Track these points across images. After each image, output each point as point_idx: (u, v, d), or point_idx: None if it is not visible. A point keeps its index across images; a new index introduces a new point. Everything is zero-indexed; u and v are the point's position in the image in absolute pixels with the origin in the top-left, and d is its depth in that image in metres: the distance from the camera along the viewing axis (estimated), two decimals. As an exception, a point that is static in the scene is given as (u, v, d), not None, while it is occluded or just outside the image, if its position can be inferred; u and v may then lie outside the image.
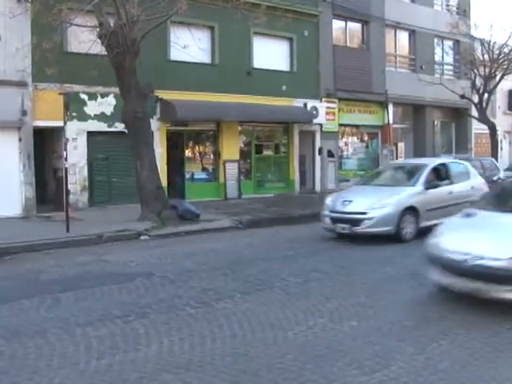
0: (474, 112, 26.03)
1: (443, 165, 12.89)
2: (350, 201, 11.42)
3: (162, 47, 17.42)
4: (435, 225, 7.87)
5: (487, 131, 26.10)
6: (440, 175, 12.49)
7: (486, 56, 24.19)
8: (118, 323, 6.14)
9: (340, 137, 23.65)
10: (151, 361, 5.07)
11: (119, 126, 15.19)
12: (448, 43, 27.67)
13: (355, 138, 24.90)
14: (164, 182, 15.82)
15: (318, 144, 22.29)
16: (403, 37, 26.03)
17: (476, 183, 12.86)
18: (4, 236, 11.27)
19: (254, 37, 19.92)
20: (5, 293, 7.59)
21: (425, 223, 10.99)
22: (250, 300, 7.00)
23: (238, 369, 4.86)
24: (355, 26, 24.08)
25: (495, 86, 25.26)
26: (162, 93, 17.19)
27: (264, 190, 20.62)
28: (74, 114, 15.47)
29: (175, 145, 18.79)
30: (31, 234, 11.74)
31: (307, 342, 5.48)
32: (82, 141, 16.24)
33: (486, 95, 24.72)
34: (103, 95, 16.58)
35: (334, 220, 11.33)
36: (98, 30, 13.28)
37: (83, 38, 13.76)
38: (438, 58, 27.45)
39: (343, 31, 23.61)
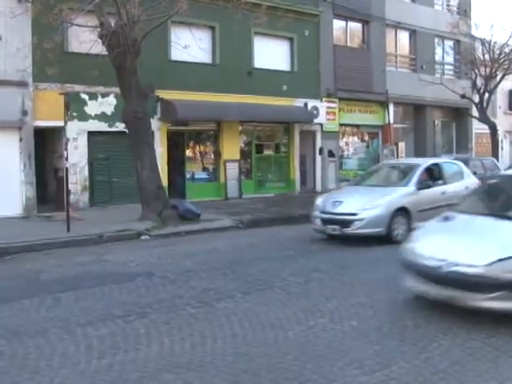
0: (475, 112, 26.00)
1: (436, 165, 12.75)
2: (341, 201, 11.26)
3: (163, 47, 17.43)
4: None
5: (488, 131, 26.08)
6: (433, 175, 12.37)
7: (486, 56, 24.17)
8: (118, 323, 6.14)
9: (340, 136, 23.65)
10: (152, 360, 5.07)
11: (120, 126, 15.19)
12: (448, 43, 27.66)
13: (356, 138, 24.90)
14: (164, 181, 15.83)
15: (318, 144, 22.29)
16: (404, 37, 26.02)
17: (470, 183, 12.53)
18: (4, 236, 11.28)
19: (254, 37, 19.93)
20: (5, 293, 7.60)
21: (417, 224, 10.86)
22: (251, 300, 7.00)
23: (239, 368, 4.86)
24: (356, 26, 24.08)
25: (496, 86, 25.24)
26: (162, 93, 17.20)
27: (264, 190, 20.64)
28: (74, 113, 15.48)
29: (176, 145, 18.79)
30: (32, 234, 11.75)
31: (308, 342, 5.48)
32: (83, 141, 16.25)
33: (486, 95, 24.69)
34: (104, 95, 16.59)
35: (325, 221, 11.16)
36: (98, 29, 13.29)
37: (84, 38, 13.77)
38: (438, 57, 27.44)
39: (344, 31, 23.61)
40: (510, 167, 22.03)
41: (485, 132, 27.19)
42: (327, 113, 21.98)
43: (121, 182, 16.69)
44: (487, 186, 8.26)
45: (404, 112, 26.54)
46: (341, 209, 11.04)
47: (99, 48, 13.46)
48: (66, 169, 12.98)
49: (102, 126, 16.58)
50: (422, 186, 11.67)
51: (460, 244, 6.13)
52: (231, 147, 19.77)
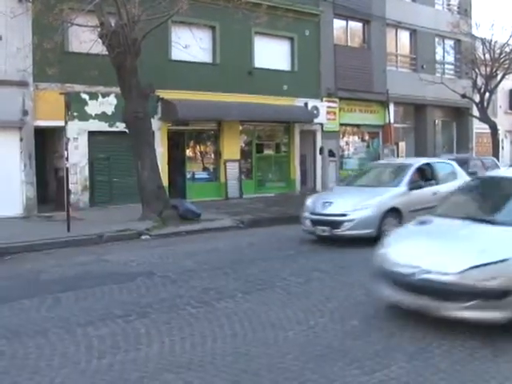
0: (475, 111, 25.99)
1: (428, 165, 12.53)
2: (331, 202, 11.08)
3: (163, 47, 17.43)
4: None
5: (488, 130, 26.07)
6: (425, 175, 12.15)
7: (487, 55, 24.16)
8: (118, 323, 6.14)
9: (341, 136, 23.64)
10: (152, 360, 5.07)
11: (120, 126, 15.19)
12: (449, 42, 27.65)
13: (356, 138, 24.89)
14: (165, 181, 15.84)
15: (318, 143, 22.29)
16: (404, 36, 26.01)
17: None
18: (4, 236, 11.28)
19: (255, 36, 19.92)
20: (5, 293, 7.61)
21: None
22: (251, 299, 7.00)
23: (239, 368, 4.86)
24: (356, 26, 24.07)
25: (496, 86, 25.23)
26: (163, 92, 17.20)
27: (265, 190, 20.63)
28: (75, 113, 15.47)
29: (176, 144, 18.79)
30: (32, 234, 11.75)
31: (308, 342, 5.48)
32: (83, 140, 16.25)
33: (487, 94, 24.68)
34: (104, 95, 16.59)
35: (314, 222, 10.98)
36: (99, 29, 13.29)
37: (84, 38, 13.77)
38: (439, 57, 27.44)
39: (344, 31, 23.61)
40: (510, 166, 22.02)
41: (485, 131, 27.18)
42: (328, 112, 21.98)
43: (121, 182, 16.69)
44: (467, 187, 7.86)
45: (404, 112, 26.54)
46: (330, 210, 10.86)
47: (99, 48, 13.47)
48: (67, 169, 12.98)
49: (103, 126, 16.58)
50: (413, 186, 11.46)
51: (434, 250, 5.83)
52: (231, 147, 19.77)
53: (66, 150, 12.95)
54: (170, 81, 17.30)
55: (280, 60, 20.96)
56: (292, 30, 20.48)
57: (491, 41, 23.96)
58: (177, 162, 18.63)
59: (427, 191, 11.60)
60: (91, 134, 16.38)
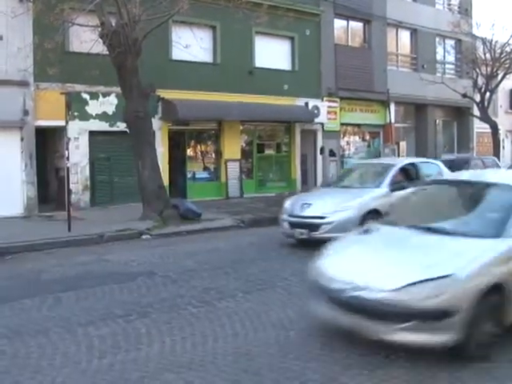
0: (476, 111, 25.98)
1: (413, 165, 12.15)
2: (309, 204, 10.70)
3: (164, 47, 17.42)
4: None
5: (489, 130, 26.06)
6: (409, 176, 11.78)
7: (487, 55, 24.15)
8: (119, 322, 6.15)
9: (342, 136, 23.63)
10: (153, 360, 5.08)
11: (121, 126, 15.19)
12: (450, 42, 27.64)
13: (357, 137, 24.90)
14: (166, 181, 15.83)
15: (319, 143, 22.29)
16: (405, 36, 26.01)
17: None
18: (5, 235, 11.29)
19: (255, 36, 19.92)
20: (6, 292, 7.61)
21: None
22: (252, 299, 7.01)
23: (240, 368, 4.87)
24: (357, 25, 24.07)
25: (497, 85, 25.22)
26: (163, 92, 17.19)
27: (265, 189, 20.63)
28: (75, 113, 15.47)
29: (177, 144, 18.79)
30: (32, 234, 11.75)
31: (309, 341, 5.48)
32: (84, 140, 16.26)
33: (487, 94, 24.67)
34: (105, 95, 16.60)
35: (293, 224, 10.62)
36: (99, 29, 13.29)
37: (85, 38, 13.78)
38: (439, 57, 27.44)
39: (345, 30, 23.61)
40: (510, 167, 22.02)
41: (486, 131, 27.17)
42: (328, 112, 21.98)
43: (122, 182, 16.70)
44: (421, 192, 7.26)
45: (405, 111, 26.54)
46: (309, 212, 10.50)
47: (100, 48, 13.48)
48: (67, 168, 12.99)
49: (103, 126, 16.59)
50: (395, 187, 10.91)
51: (373, 263, 5.27)
52: (232, 147, 19.77)
53: (67, 149, 12.94)
54: (170, 81, 17.30)
55: (281, 60, 20.96)
56: (293, 30, 20.47)
57: (492, 40, 23.95)
58: (177, 161, 18.64)
59: None
60: (92, 133, 16.38)
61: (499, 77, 24.85)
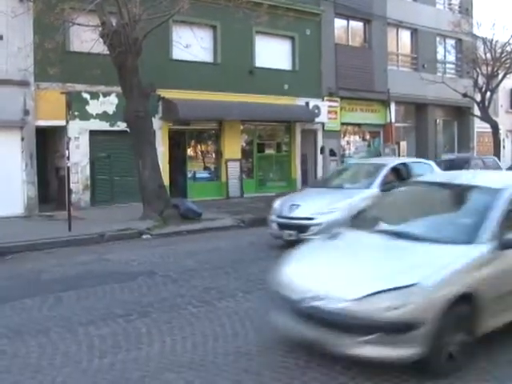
0: (477, 111, 25.99)
1: (404, 165, 11.92)
2: (298, 205, 10.47)
3: (164, 46, 17.43)
4: None
5: (489, 130, 26.06)
6: (400, 176, 11.53)
7: (488, 55, 24.15)
8: (120, 322, 6.15)
9: (342, 135, 23.64)
10: (153, 360, 5.08)
11: (121, 125, 15.21)
12: (450, 42, 27.63)
13: (357, 137, 24.90)
14: (166, 180, 15.83)
15: (319, 143, 22.29)
16: (405, 35, 26.01)
17: None
18: (6, 235, 11.29)
19: (256, 36, 19.92)
20: (7, 292, 7.61)
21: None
22: (252, 299, 7.00)
23: (240, 368, 4.87)
24: (357, 25, 24.07)
25: (497, 85, 25.22)
26: (164, 92, 17.19)
27: (266, 189, 20.62)
28: (76, 113, 15.47)
29: (177, 144, 18.80)
30: (33, 233, 11.76)
31: (309, 341, 5.47)
32: (84, 140, 16.26)
33: (488, 94, 24.68)
34: (105, 94, 16.60)
35: (281, 226, 10.40)
36: (100, 29, 13.30)
37: (85, 38, 13.79)
38: (440, 56, 27.43)
39: (345, 30, 23.61)
40: (510, 167, 22.03)
41: (486, 131, 27.18)
42: (329, 112, 21.98)
43: (122, 181, 16.70)
44: (393, 194, 6.91)
45: (405, 111, 26.54)
46: (297, 213, 10.28)
47: (101, 47, 13.48)
48: (68, 168, 12.99)
49: (104, 126, 16.59)
50: (386, 187, 10.53)
51: (335, 270, 4.96)
52: (232, 146, 19.77)
53: (67, 149, 12.94)
54: (170, 80, 17.29)
55: (281, 59, 20.96)
56: (293, 30, 20.47)
57: (492, 40, 23.97)
58: (178, 161, 18.64)
59: None
60: (92, 133, 16.38)
61: (500, 76, 24.86)
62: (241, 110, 18.79)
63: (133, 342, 5.54)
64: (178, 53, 17.11)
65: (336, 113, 22.54)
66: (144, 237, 12.21)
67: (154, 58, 16.30)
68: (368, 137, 25.21)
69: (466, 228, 5.24)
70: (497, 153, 24.89)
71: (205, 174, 19.90)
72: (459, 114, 28.29)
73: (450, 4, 28.26)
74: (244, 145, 20.60)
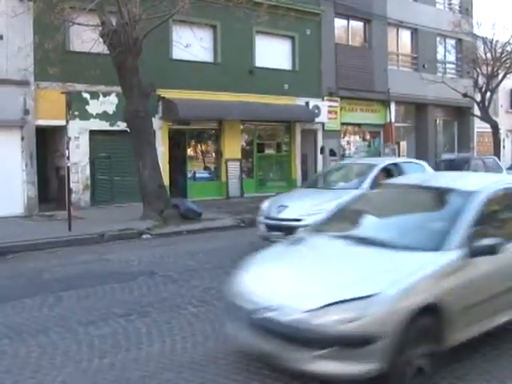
0: (477, 111, 25.99)
1: (395, 165, 11.72)
2: (286, 206, 10.22)
3: (164, 46, 17.43)
4: None
5: (489, 130, 26.06)
6: (391, 176, 11.08)
7: (488, 54, 24.16)
8: (120, 322, 6.15)
9: (342, 135, 23.64)
10: (153, 360, 5.08)
11: (121, 125, 15.21)
12: (450, 42, 27.64)
13: (357, 137, 24.91)
14: (166, 180, 15.83)
15: (319, 143, 22.29)
16: (405, 35, 26.01)
17: None
18: (6, 235, 11.29)
19: (256, 35, 19.92)
20: (7, 292, 7.61)
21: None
22: (252, 299, 6.99)
23: (241, 367, 4.86)
24: (357, 25, 24.07)
25: (498, 85, 25.22)
26: (164, 92, 17.19)
27: (266, 189, 20.60)
28: (76, 112, 15.47)
29: (177, 144, 18.80)
30: (33, 233, 11.76)
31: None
32: (84, 140, 16.26)
33: (488, 94, 24.68)
34: (105, 94, 16.60)
35: (269, 227, 10.13)
36: (100, 29, 13.30)
37: (85, 37, 13.77)
38: (440, 56, 27.44)
39: (345, 30, 23.61)
40: (511, 167, 22.03)
41: (486, 131, 27.18)
42: (329, 112, 21.98)
43: (122, 181, 16.71)
44: (365, 196, 6.65)
45: (406, 111, 26.54)
46: (285, 214, 10.02)
47: (101, 47, 13.48)
48: (68, 168, 12.99)
49: (104, 125, 16.59)
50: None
51: (293, 279, 4.64)
52: (232, 146, 19.77)
53: (67, 149, 12.94)
54: (171, 80, 17.29)
55: (281, 59, 20.96)
56: (293, 29, 20.47)
57: (492, 40, 23.97)
58: (178, 161, 18.64)
59: None
60: (92, 133, 16.39)
61: (500, 76, 24.86)
62: (241, 110, 18.79)
63: (133, 341, 5.54)
64: (178, 52, 17.11)
65: (336, 113, 22.54)
66: (144, 237, 12.21)
67: (154, 57, 16.30)
68: (368, 137, 25.21)
69: (435, 234, 4.93)
70: (497, 153, 24.89)
71: (205, 174, 19.90)
72: (459, 114, 28.30)
73: (450, 4, 28.27)
74: (244, 145, 20.61)
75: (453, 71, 28.07)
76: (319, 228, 5.83)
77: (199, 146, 20.33)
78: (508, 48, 24.10)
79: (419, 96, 25.08)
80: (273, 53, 20.43)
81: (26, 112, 15.02)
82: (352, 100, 23.07)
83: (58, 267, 9.17)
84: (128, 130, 14.18)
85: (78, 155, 15.83)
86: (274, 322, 4.23)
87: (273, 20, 17.61)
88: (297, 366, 4.20)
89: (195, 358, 5.10)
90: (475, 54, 24.70)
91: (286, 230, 9.75)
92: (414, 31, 25.83)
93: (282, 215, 10.06)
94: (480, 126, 28.09)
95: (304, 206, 10.14)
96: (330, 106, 22.05)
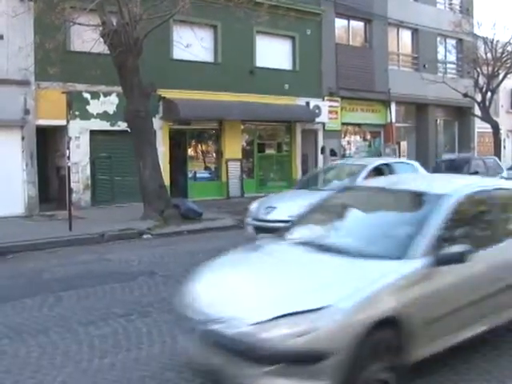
0: (477, 111, 26.00)
1: (387, 165, 11.62)
2: (274, 207, 10.05)
3: (165, 46, 17.43)
4: None
5: (490, 130, 26.07)
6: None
7: (489, 55, 24.17)
8: (120, 322, 6.14)
9: (343, 135, 23.64)
10: (154, 359, 5.08)
11: (122, 125, 15.22)
12: (451, 42, 27.64)
13: (358, 137, 24.91)
14: (166, 180, 15.83)
15: (320, 143, 22.29)
16: (406, 35, 26.01)
17: None
18: (6, 235, 11.29)
19: (256, 36, 19.92)
20: (7, 292, 7.61)
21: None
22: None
23: (241, 368, 4.85)
24: (358, 25, 24.07)
25: (498, 85, 25.22)
26: (164, 92, 17.19)
27: (266, 189, 20.55)
28: (76, 112, 15.47)
29: (178, 144, 18.80)
30: (34, 233, 11.76)
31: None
32: (85, 139, 16.27)
33: (489, 94, 24.69)
34: (106, 94, 16.60)
35: (257, 229, 9.96)
36: (100, 28, 13.30)
37: (86, 37, 13.77)
38: (440, 56, 27.44)
39: (346, 30, 23.61)
40: (511, 167, 22.01)
41: (487, 131, 27.18)
42: (329, 112, 21.98)
43: (123, 181, 16.70)
44: (331, 199, 6.13)
45: (406, 111, 26.53)
46: (273, 215, 9.81)
47: (101, 47, 13.48)
48: (68, 167, 12.99)
49: (104, 125, 16.60)
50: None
51: (245, 289, 4.32)
52: (233, 146, 19.77)
53: (68, 148, 12.93)
54: (171, 80, 17.29)
55: (282, 59, 20.96)
56: (294, 30, 20.46)
57: (493, 40, 23.98)
58: (178, 161, 18.64)
59: None
60: (93, 132, 16.39)
61: (500, 76, 24.86)
62: (241, 110, 18.79)
63: (133, 341, 5.54)
64: (179, 52, 17.11)
65: (336, 113, 22.54)
66: (144, 237, 12.21)
67: (155, 57, 16.30)
68: (368, 137, 25.22)
69: (398, 241, 4.59)
70: (497, 153, 24.89)
71: (205, 174, 19.91)
72: (460, 114, 28.30)
73: (450, 4, 28.27)
74: (244, 145, 20.61)
75: (453, 71, 28.06)
76: (281, 233, 5.53)
77: (200, 146, 20.34)
78: (508, 48, 24.10)
79: (420, 96, 25.08)
80: (273, 53, 20.43)
81: (27, 112, 15.03)
82: (352, 100, 23.07)
83: (58, 267, 9.17)
84: (128, 129, 14.19)
85: (78, 155, 15.83)
86: (221, 334, 3.91)
87: (273, 20, 17.61)
88: (245, 383, 3.84)
89: (195, 358, 5.09)
90: (476, 54, 24.70)
91: (273, 232, 9.64)
92: (415, 31, 25.83)
93: (270, 217, 9.86)
94: (480, 126, 28.09)
95: (293, 207, 9.72)
96: (330, 106, 22.05)
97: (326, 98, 21.99)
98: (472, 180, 6.26)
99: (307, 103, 21.06)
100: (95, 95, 16.47)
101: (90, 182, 16.45)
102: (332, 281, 4.13)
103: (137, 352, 5.26)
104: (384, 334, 3.97)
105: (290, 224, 5.82)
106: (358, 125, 24.40)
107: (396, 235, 4.72)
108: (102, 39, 13.28)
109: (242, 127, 20.26)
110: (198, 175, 19.51)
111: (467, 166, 18.36)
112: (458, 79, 26.25)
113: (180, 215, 13.74)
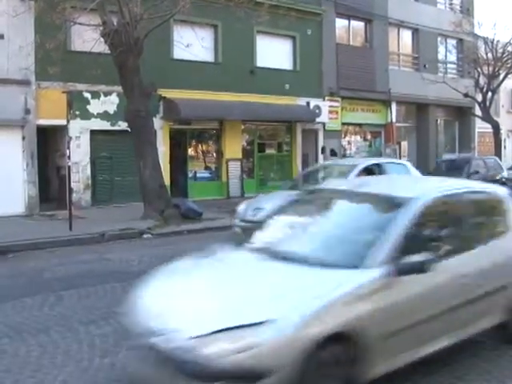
0: (478, 111, 26.00)
1: (378, 165, 11.59)
2: (262, 209, 9.74)
3: (165, 46, 17.43)
4: None
5: (491, 130, 26.07)
6: None
7: (489, 54, 24.17)
8: (120, 321, 6.14)
9: (343, 135, 23.64)
10: (154, 359, 5.07)
11: (122, 125, 15.21)
12: (451, 42, 27.64)
13: (358, 137, 24.91)
14: (167, 180, 15.83)
15: (320, 143, 22.29)
16: (406, 35, 26.01)
17: None
18: (7, 234, 11.30)
19: (257, 35, 19.91)
20: (8, 291, 7.61)
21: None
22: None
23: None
24: (358, 25, 24.07)
25: (499, 85, 25.22)
26: (165, 91, 17.19)
27: (267, 189, 20.50)
28: (77, 112, 15.44)
29: (178, 143, 18.80)
30: (34, 232, 11.77)
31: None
32: (85, 139, 16.27)
33: (489, 94, 24.69)
34: (106, 94, 16.60)
35: (245, 230, 9.31)
36: (101, 28, 13.30)
37: (86, 37, 13.78)
38: (441, 56, 27.43)
39: (346, 30, 23.61)
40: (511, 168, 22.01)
41: (487, 131, 27.18)
42: (330, 112, 21.97)
43: (123, 181, 16.71)
44: (293, 203, 5.72)
45: (407, 111, 26.53)
46: (260, 217, 9.46)
47: (102, 47, 13.48)
48: (69, 167, 12.99)
49: (105, 125, 16.60)
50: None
51: (189, 299, 4.02)
52: (233, 146, 19.77)
53: (68, 148, 12.94)
54: (171, 80, 17.29)
55: (282, 59, 20.96)
56: (294, 29, 20.46)
57: (493, 40, 23.99)
58: (179, 160, 18.64)
59: None
60: (93, 132, 16.39)
61: (501, 76, 24.87)
62: (242, 110, 18.79)
63: (133, 341, 5.54)
64: (179, 52, 17.11)
65: (337, 113, 22.53)
66: (145, 236, 12.22)
67: (155, 57, 16.30)
68: (369, 137, 25.21)
69: (356, 248, 4.33)
70: (498, 153, 24.90)
71: (205, 174, 19.92)
72: (460, 114, 28.29)
73: (451, 4, 28.27)
74: (245, 144, 20.61)
75: (454, 71, 28.06)
76: (238, 239, 5.30)
77: (200, 145, 20.34)
78: (509, 48, 24.11)
79: (420, 96, 25.07)
80: (274, 53, 20.43)
81: (27, 111, 15.03)
82: (353, 100, 23.06)
83: (58, 266, 9.17)
84: (129, 129, 14.19)
85: (78, 155, 15.83)
86: (159, 348, 3.66)
87: (274, 20, 17.61)
88: None
89: (196, 357, 5.08)
90: (476, 54, 24.70)
91: None
92: (415, 31, 25.83)
93: (258, 218, 9.38)
94: (481, 126, 28.08)
95: None
96: (330, 106, 22.04)
97: (326, 97, 21.99)
98: (441, 183, 5.82)
99: (308, 103, 21.06)
100: (96, 95, 16.47)
101: (90, 181, 16.45)
102: (282, 292, 3.86)
103: (137, 351, 5.26)
104: (335, 350, 3.72)
105: (250, 229, 5.54)
106: (359, 125, 24.40)
107: (355, 242, 4.46)
108: (102, 39, 13.28)
109: (243, 127, 20.26)
110: (198, 175, 19.51)
111: (468, 166, 18.37)
112: (458, 79, 26.26)
113: (180, 215, 13.75)
